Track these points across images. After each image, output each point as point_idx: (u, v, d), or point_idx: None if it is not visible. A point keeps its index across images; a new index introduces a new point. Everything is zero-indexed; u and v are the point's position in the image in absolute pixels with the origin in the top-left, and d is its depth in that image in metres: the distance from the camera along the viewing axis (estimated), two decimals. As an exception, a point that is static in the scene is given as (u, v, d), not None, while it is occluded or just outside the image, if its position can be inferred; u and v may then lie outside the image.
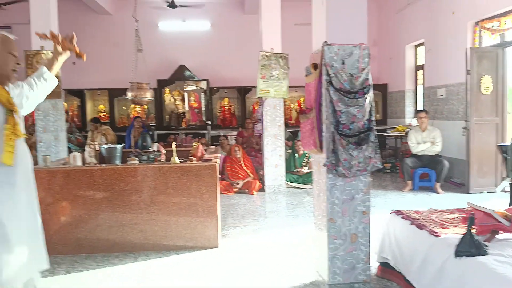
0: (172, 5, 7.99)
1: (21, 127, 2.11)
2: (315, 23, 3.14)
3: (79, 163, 4.20)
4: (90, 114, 9.33)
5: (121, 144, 6.24)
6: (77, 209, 3.88)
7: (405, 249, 2.81)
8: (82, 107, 9.24)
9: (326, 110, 2.80)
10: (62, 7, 6.40)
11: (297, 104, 9.97)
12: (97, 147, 4.99)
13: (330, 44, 2.81)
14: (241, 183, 6.58)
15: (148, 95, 4.52)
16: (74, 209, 3.88)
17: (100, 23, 9.33)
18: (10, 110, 2.00)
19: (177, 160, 4.08)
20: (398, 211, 3.16)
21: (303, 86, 3.22)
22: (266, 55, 6.26)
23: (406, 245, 2.82)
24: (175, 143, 4.38)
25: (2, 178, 1.92)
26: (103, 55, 9.25)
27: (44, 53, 5.76)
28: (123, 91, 8.28)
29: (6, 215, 1.88)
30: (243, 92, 9.64)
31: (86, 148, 4.89)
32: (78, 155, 4.28)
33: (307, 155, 7.04)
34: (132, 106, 9.36)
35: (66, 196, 3.87)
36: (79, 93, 9.15)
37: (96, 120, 7.60)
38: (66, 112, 8.44)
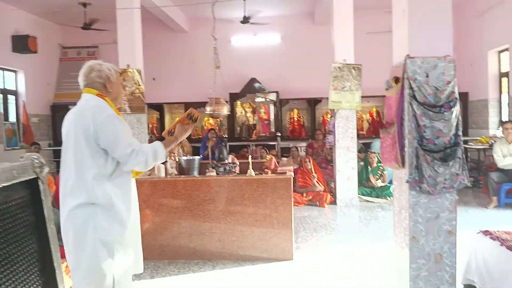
0: (244, 21, 8.26)
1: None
2: (395, 34, 3.08)
3: (162, 174, 4.48)
4: (168, 126, 9.89)
5: (196, 155, 6.57)
6: (161, 217, 4.13)
7: (495, 272, 2.64)
8: (161, 120, 9.85)
9: (408, 125, 2.73)
10: (144, 27, 6.91)
11: (369, 115, 9.72)
12: (177, 158, 5.28)
13: (413, 58, 2.73)
14: (313, 187, 6.53)
15: (225, 110, 4.71)
16: (159, 217, 4.14)
17: (177, 40, 9.90)
18: None
19: (253, 173, 4.18)
20: (486, 231, 2.97)
21: (377, 96, 3.17)
22: (339, 67, 6.21)
23: (496, 268, 2.65)
24: (250, 156, 4.50)
25: (129, 185, 2.13)
26: (180, 71, 9.80)
27: (130, 71, 6.23)
28: (198, 105, 8.68)
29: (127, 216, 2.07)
30: (313, 103, 9.63)
31: (167, 159, 5.18)
32: (162, 166, 4.56)
33: (381, 167, 6.83)
34: (206, 118, 9.77)
35: (152, 204, 4.14)
36: (158, 107, 9.75)
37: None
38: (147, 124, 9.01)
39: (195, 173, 4.93)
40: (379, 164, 6.81)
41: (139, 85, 6.37)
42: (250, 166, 4.24)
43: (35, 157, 0.88)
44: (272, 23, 9.41)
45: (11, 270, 0.77)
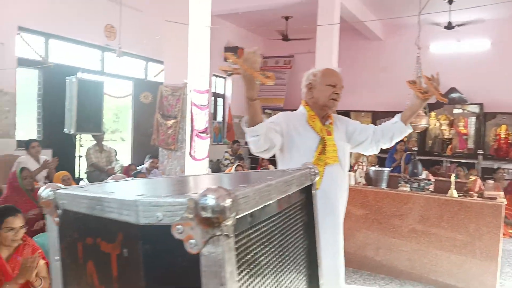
0: (449, 27, 7.61)
1: (339, 154, 2.19)
2: None
3: (352, 182, 4.54)
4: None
5: (381, 166, 6.40)
6: (349, 224, 4.17)
7: None
8: (346, 127, 9.92)
9: None
10: (340, 36, 7.09)
11: None
12: (365, 168, 5.27)
13: None
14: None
15: (424, 122, 4.46)
16: (346, 224, 4.19)
17: (370, 48, 9.81)
18: (322, 138, 2.14)
19: (455, 194, 3.85)
20: None
21: None
22: None
23: None
24: (454, 175, 4.14)
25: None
26: (370, 79, 9.68)
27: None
28: (386, 114, 8.41)
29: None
30: (528, 119, 8.20)
31: (356, 167, 5.22)
32: (352, 174, 4.63)
33: None
34: (394, 128, 9.39)
35: (341, 211, 4.23)
36: (344, 114, 9.84)
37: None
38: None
39: (384, 185, 4.83)
40: None
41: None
42: (453, 186, 3.90)
43: (311, 166, 1.02)
44: (481, 28, 8.41)
45: (294, 261, 0.92)
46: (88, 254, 0.76)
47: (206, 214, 0.56)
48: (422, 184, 4.38)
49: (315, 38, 6.96)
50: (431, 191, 4.36)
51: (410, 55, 5.99)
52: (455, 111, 8.90)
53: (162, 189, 0.92)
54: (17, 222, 2.39)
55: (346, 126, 2.31)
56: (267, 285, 0.76)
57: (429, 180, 4.51)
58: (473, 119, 8.78)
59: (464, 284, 3.61)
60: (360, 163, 5.74)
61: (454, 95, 8.72)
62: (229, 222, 0.58)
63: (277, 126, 2.08)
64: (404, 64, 6.77)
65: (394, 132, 2.26)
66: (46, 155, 5.52)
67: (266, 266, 0.77)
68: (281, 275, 0.84)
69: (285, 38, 9.06)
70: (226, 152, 8.30)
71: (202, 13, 4.34)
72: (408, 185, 4.34)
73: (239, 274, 0.64)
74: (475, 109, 8.62)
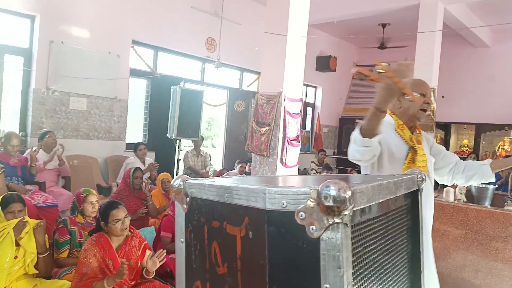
0: None
1: (428, 164, 2.13)
2: None
3: (451, 198, 4.26)
4: (452, 147, 9.26)
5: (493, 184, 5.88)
6: (444, 243, 3.94)
7: None
8: (445, 140, 9.32)
9: None
10: (442, 42, 6.72)
11: None
12: (467, 185, 4.90)
13: None
14: None
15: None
16: (441, 243, 3.96)
17: (476, 56, 9.12)
18: (412, 147, 2.07)
19: None
20: None
21: None
22: None
23: None
24: None
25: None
26: (474, 88, 8.98)
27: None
28: (492, 127, 7.74)
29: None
30: None
31: (457, 184, 4.88)
32: (451, 190, 4.35)
33: None
34: (501, 143, 8.59)
35: (437, 228, 4.00)
36: (444, 126, 9.27)
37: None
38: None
39: (487, 203, 4.45)
40: None
41: (432, 103, 6.25)
42: None
43: (417, 171, 1.04)
44: None
45: (398, 262, 0.94)
46: (213, 236, 0.88)
47: (328, 203, 0.63)
48: (533, 205, 3.95)
49: (413, 46, 6.69)
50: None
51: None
52: None
53: (279, 182, 1.02)
54: (121, 213, 2.67)
55: (432, 145, 2.26)
56: (374, 279, 0.81)
57: (542, 201, 4.06)
58: None
59: None
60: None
61: None
62: (348, 212, 0.64)
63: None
64: (514, 73, 6.19)
65: (477, 173, 2.16)
66: (150, 157, 6.08)
67: (374, 261, 0.81)
68: (386, 273, 0.88)
69: (381, 46, 8.83)
70: (312, 162, 8.31)
71: (299, 24, 4.47)
72: (516, 204, 3.96)
73: (352, 262, 0.70)
74: None
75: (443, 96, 8.85)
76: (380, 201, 0.80)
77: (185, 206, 1.00)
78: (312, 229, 0.65)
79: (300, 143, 4.38)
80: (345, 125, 10.38)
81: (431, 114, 6.26)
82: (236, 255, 0.79)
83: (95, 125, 5.93)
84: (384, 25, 8.42)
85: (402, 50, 8.99)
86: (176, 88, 5.90)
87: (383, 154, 2.11)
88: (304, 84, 9.78)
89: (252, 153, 4.44)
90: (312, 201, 0.65)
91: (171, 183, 1.04)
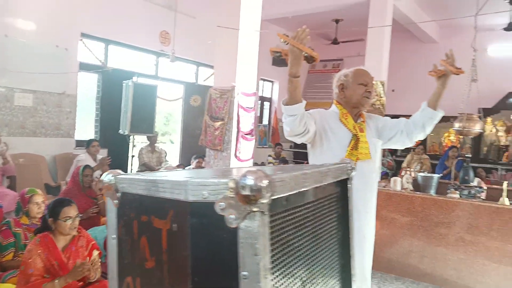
0: (509, 28, 7.23)
1: (371, 151, 2.22)
2: None
3: (398, 187, 4.46)
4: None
5: (432, 172, 6.20)
6: (392, 230, 4.12)
7: None
8: (396, 132, 9.66)
9: None
10: (392, 38, 6.97)
11: None
12: (413, 174, 5.14)
13: None
14: None
15: (477, 127, 4.29)
16: (389, 230, 4.14)
17: (424, 51, 9.51)
18: (355, 135, 2.19)
19: (507, 202, 3.68)
20: None
21: None
22: None
23: None
24: (506, 182, 3.96)
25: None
26: (422, 82, 9.34)
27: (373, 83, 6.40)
28: (442, 119, 8.12)
29: (365, 228, 2.21)
30: None
31: (403, 173, 5.11)
32: (398, 180, 4.54)
33: None
34: (446, 134, 9.06)
35: (385, 216, 4.17)
36: (395, 117, 9.60)
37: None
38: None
39: (432, 191, 4.69)
40: None
41: (381, 97, 6.48)
42: (505, 194, 3.74)
43: (347, 161, 1.08)
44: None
45: (327, 249, 0.98)
46: (142, 230, 0.87)
47: (245, 192, 0.65)
48: (473, 192, 4.22)
49: (365, 41, 6.90)
50: (483, 199, 4.18)
51: (466, 58, 5.72)
52: (514, 117, 8.43)
53: (208, 174, 1.02)
54: (73, 211, 2.59)
55: (376, 123, 2.36)
56: (299, 265, 0.83)
57: (480, 187, 4.34)
58: (534, 126, 8.27)
59: (516, 298, 3.45)
60: (408, 169, 5.61)
61: (512, 100, 8.27)
62: (265, 201, 0.66)
63: (312, 116, 2.15)
64: (459, 67, 6.52)
65: (424, 119, 2.27)
66: (102, 154, 5.90)
67: (299, 248, 0.84)
68: (314, 259, 0.91)
69: (335, 41, 9.03)
70: (270, 155, 8.40)
71: (252, 18, 4.48)
72: (457, 192, 4.20)
73: (272, 250, 0.72)
74: (537, 115, 8.12)
75: (393, 90, 9.20)
76: (305, 189, 0.82)
77: (116, 201, 0.99)
78: (231, 218, 0.67)
79: (254, 137, 4.42)
80: (302, 119, 10.57)
81: (381, 108, 6.49)
82: (162, 248, 0.79)
83: (42, 122, 5.67)
84: (337, 21, 8.62)
85: (355, 46, 9.25)
86: (128, 82, 5.76)
87: (325, 140, 2.21)
88: (261, 79, 9.83)
89: (206, 148, 4.42)
90: (231, 191, 0.66)
91: (101, 177, 1.02)
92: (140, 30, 6.78)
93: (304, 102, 1.97)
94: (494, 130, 8.66)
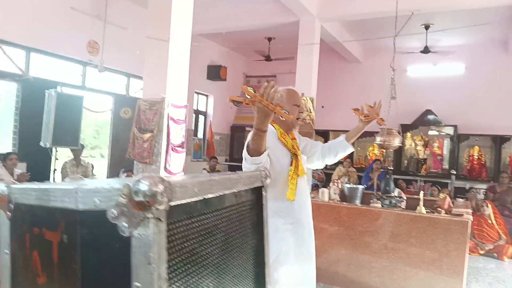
0: (425, 51, 7.91)
1: (304, 167, 2.33)
2: None
3: (326, 198, 4.61)
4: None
5: (358, 184, 6.52)
6: (321, 240, 4.22)
7: None
8: (325, 146, 10.07)
9: None
10: (319, 57, 7.30)
11: None
12: (340, 185, 5.34)
13: None
14: (490, 246, 5.75)
15: (397, 141, 4.59)
16: (318, 240, 4.22)
17: (350, 70, 10.07)
18: (294, 154, 2.25)
19: (423, 210, 3.95)
20: None
21: None
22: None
23: None
24: (422, 192, 4.26)
25: (287, 212, 2.21)
26: (349, 99, 9.87)
27: (304, 99, 6.63)
28: (364, 134, 8.60)
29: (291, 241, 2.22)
30: (499, 141, 8.49)
31: (331, 185, 5.29)
32: (326, 191, 4.69)
33: None
34: (371, 148, 9.60)
35: (314, 227, 4.27)
36: (324, 134, 10.04)
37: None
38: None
39: (357, 202, 4.90)
40: None
41: (311, 112, 6.72)
42: (421, 203, 4.01)
43: (263, 169, 1.08)
44: (456, 53, 8.76)
45: (239, 257, 0.96)
46: (34, 244, 0.80)
47: (138, 198, 0.61)
48: (393, 201, 4.47)
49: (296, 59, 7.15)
50: (403, 208, 4.45)
51: (387, 77, 6.18)
52: (430, 132, 9.16)
53: (107, 181, 0.97)
54: None
55: (300, 141, 2.46)
56: (205, 274, 0.81)
57: (400, 197, 4.61)
58: (447, 140, 9.04)
59: (433, 300, 3.68)
60: (336, 181, 5.84)
61: (429, 117, 8.99)
62: (161, 207, 0.63)
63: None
64: (381, 86, 6.97)
65: (338, 149, 2.48)
66: (21, 168, 5.45)
67: (206, 256, 0.81)
68: (224, 268, 0.89)
69: (268, 58, 9.25)
70: (204, 169, 8.32)
71: (183, 31, 4.44)
72: (379, 202, 4.43)
73: (172, 259, 0.68)
74: (450, 130, 8.89)
75: (322, 106, 9.60)
76: (212, 196, 0.80)
77: (9, 213, 0.89)
78: (123, 226, 0.62)
79: (185, 149, 4.33)
80: (237, 133, 10.61)
81: (311, 122, 6.72)
82: (53, 263, 0.72)
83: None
84: (270, 39, 8.85)
85: (288, 63, 9.53)
86: (51, 92, 5.40)
87: (269, 161, 2.16)
88: (196, 92, 9.76)
89: (134, 161, 4.26)
90: (123, 197, 0.62)
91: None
92: (66, 38, 6.43)
93: (268, 150, 1.94)
94: (413, 145, 9.34)
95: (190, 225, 0.75)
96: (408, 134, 9.32)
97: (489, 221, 5.86)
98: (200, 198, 0.76)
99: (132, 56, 6.85)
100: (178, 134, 4.15)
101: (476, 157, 8.78)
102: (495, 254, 5.65)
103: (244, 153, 1.95)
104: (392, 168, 8.60)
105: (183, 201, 0.70)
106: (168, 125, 4.03)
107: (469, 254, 5.56)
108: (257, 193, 1.08)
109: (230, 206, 0.92)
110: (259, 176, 1.07)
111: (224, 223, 0.90)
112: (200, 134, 10.19)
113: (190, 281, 0.75)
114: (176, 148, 4.08)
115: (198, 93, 9.94)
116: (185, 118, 4.34)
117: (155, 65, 4.28)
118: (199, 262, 0.79)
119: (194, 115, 9.81)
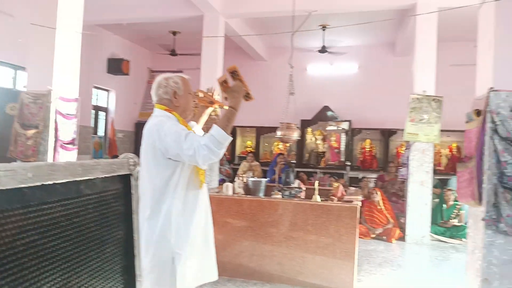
0: (322, 51, 8.39)
1: None
2: (480, 67, 2.98)
3: (230, 192, 4.64)
4: (238, 149, 10.20)
5: (264, 177, 6.71)
6: (224, 234, 4.26)
7: None
8: (232, 142, 10.19)
9: (488, 160, 2.59)
10: (226, 55, 7.34)
11: (448, 150, 9.21)
12: (245, 179, 5.43)
13: (497, 91, 2.62)
14: (380, 230, 6.31)
15: (295, 135, 4.80)
16: (222, 234, 4.27)
17: (255, 68, 10.27)
18: None
19: (318, 199, 4.18)
20: None
21: (458, 131, 3.04)
22: (417, 98, 6.04)
23: None
24: (317, 181, 4.51)
25: (195, 199, 2.18)
26: (256, 96, 10.10)
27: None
28: (269, 129, 8.88)
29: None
30: (387, 134, 9.38)
31: (236, 179, 5.36)
32: (230, 185, 4.73)
33: (457, 206, 6.40)
34: (276, 143, 9.94)
35: (217, 221, 4.26)
36: (231, 130, 10.11)
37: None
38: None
39: (261, 194, 5.03)
40: (455, 202, 6.40)
41: (216, 108, 6.71)
42: (316, 192, 4.24)
43: (131, 156, 1.02)
44: (350, 53, 9.44)
45: (101, 250, 0.90)
46: None
47: None
48: (293, 192, 4.67)
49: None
50: (302, 198, 4.67)
51: (287, 74, 6.44)
52: (328, 127, 9.77)
53: None
54: None
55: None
56: (52, 268, 0.73)
57: (300, 188, 4.84)
58: (343, 135, 9.74)
59: (327, 283, 3.91)
60: (241, 175, 5.92)
61: (327, 113, 9.58)
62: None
63: None
64: (283, 83, 7.24)
65: None
66: None
67: (52, 249, 0.74)
68: (78, 261, 0.82)
69: (173, 53, 9.04)
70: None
71: (72, 19, 4.11)
72: (280, 193, 4.59)
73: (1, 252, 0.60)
74: (345, 125, 9.57)
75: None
76: (55, 182, 0.73)
77: None
78: None
79: (76, 146, 4.03)
80: (142, 130, 10.21)
81: (217, 118, 6.72)
82: None
83: None
84: (174, 33, 8.66)
85: (195, 59, 9.41)
86: None
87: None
88: (95, 87, 9.17)
89: (17, 160, 3.85)
90: None
91: None
92: None
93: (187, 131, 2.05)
94: (313, 139, 9.89)
95: (24, 214, 0.68)
96: (309, 129, 9.83)
97: (379, 207, 6.42)
98: (38, 184, 0.68)
99: (20, 47, 6.18)
100: (68, 130, 3.84)
101: (368, 149, 9.60)
102: (384, 237, 6.21)
103: (216, 137, 1.95)
104: (294, 162, 9.02)
105: (9, 187, 0.62)
106: (56, 120, 3.70)
107: (361, 238, 6.08)
108: (124, 181, 1.02)
109: (85, 195, 0.85)
110: (125, 164, 1.01)
111: (78, 213, 0.83)
112: (100, 132, 9.59)
113: (30, 275, 0.67)
114: (66, 145, 3.78)
115: (97, 88, 9.35)
116: (76, 113, 4.04)
117: (40, 55, 3.91)
118: (42, 255, 0.71)
119: (93, 111, 9.21)
